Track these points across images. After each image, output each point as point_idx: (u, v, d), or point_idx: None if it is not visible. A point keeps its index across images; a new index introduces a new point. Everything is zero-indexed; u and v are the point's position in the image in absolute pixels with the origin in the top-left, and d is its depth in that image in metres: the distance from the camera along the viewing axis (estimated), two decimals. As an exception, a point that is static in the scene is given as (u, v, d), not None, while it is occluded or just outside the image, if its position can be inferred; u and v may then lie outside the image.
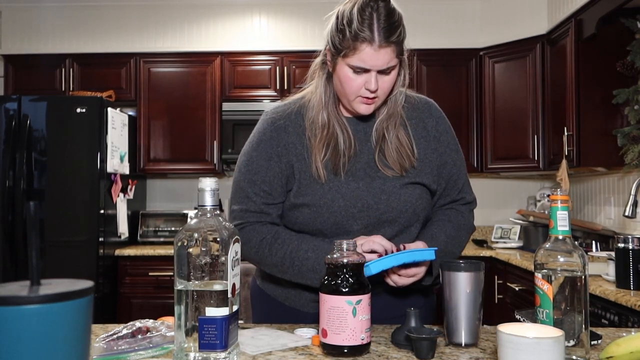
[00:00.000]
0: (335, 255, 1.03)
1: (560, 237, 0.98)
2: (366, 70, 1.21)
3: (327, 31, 1.27)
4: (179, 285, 0.93)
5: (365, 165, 1.31)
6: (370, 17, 1.18)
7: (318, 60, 1.34)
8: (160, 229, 3.83)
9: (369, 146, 1.32)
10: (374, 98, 1.25)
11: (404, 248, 1.22)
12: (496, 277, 3.33)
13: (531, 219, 3.53)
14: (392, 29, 1.19)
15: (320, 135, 1.29)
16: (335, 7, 1.28)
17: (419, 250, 1.19)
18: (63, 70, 3.92)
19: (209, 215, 0.95)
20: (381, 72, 1.22)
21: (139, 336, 1.07)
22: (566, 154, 3.10)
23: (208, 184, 0.96)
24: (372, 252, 1.21)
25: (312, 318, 1.32)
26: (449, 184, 1.39)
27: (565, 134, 3.11)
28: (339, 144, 1.29)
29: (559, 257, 0.97)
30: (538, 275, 0.99)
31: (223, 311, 0.91)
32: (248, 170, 1.33)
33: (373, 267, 1.14)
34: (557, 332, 0.83)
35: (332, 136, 1.29)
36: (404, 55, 1.26)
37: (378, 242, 1.21)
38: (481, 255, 3.41)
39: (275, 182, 1.31)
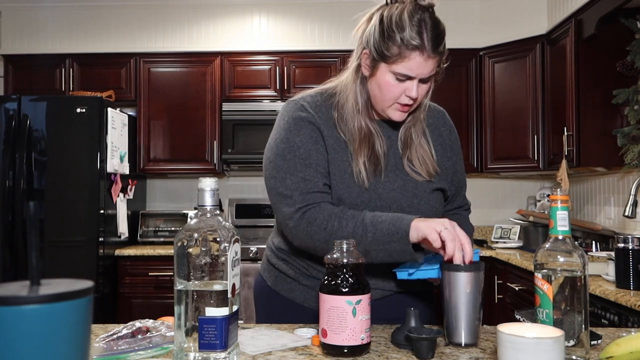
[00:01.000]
0: (335, 255, 1.03)
1: (560, 237, 0.98)
2: (409, 78, 1.22)
3: (366, 34, 1.25)
4: (179, 285, 0.93)
5: (394, 167, 1.32)
6: (419, 25, 1.18)
7: (354, 65, 1.31)
8: (160, 229, 3.83)
9: (394, 150, 1.34)
10: (410, 105, 1.26)
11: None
12: (496, 277, 3.33)
13: (531, 219, 3.53)
14: (440, 39, 1.21)
15: (358, 140, 1.28)
16: (369, 9, 1.27)
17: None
18: (63, 70, 3.92)
19: (208, 215, 0.95)
20: (421, 80, 1.23)
21: (139, 336, 1.07)
22: (566, 154, 3.10)
23: (208, 184, 0.96)
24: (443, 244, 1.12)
25: None
26: (457, 190, 1.45)
27: (565, 134, 3.11)
28: (376, 147, 1.29)
29: (558, 257, 0.97)
30: (538, 275, 0.99)
31: (223, 311, 0.91)
32: (296, 155, 1.26)
33: (437, 271, 1.15)
34: (557, 332, 0.83)
35: (369, 139, 1.29)
36: (441, 66, 1.27)
37: (463, 243, 1.09)
38: (481, 255, 3.41)
39: (325, 165, 1.28)
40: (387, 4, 1.25)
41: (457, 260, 1.08)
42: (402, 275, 1.21)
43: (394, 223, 1.17)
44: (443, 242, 1.10)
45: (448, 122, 1.44)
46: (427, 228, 1.12)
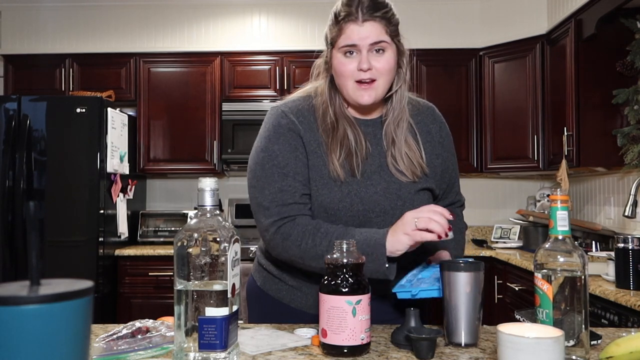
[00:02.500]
0: (335, 255, 1.03)
1: (560, 237, 0.98)
2: (355, 49, 1.22)
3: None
4: (179, 285, 0.93)
5: (378, 168, 1.31)
6: (353, 0, 1.22)
7: (320, 61, 1.34)
8: (160, 229, 3.83)
9: (379, 149, 1.32)
10: (369, 82, 1.23)
11: (429, 262, 1.26)
12: (496, 277, 3.33)
13: (531, 219, 3.53)
14: (377, 6, 1.22)
15: (332, 136, 1.28)
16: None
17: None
18: (63, 70, 3.92)
19: (208, 215, 0.95)
20: (373, 52, 1.23)
21: (139, 336, 1.07)
22: (566, 154, 3.10)
23: (208, 184, 0.96)
24: (428, 230, 1.13)
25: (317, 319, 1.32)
26: (448, 187, 1.43)
27: (565, 134, 3.11)
28: (350, 143, 1.28)
29: (558, 257, 0.97)
30: (538, 275, 0.99)
31: (223, 311, 0.91)
32: (274, 164, 1.27)
33: (424, 293, 1.16)
34: (557, 332, 0.83)
35: (343, 135, 1.28)
36: (398, 38, 1.27)
37: (435, 219, 1.11)
38: (481, 255, 3.41)
39: (305, 172, 1.28)
40: None
41: (443, 228, 1.11)
42: (404, 295, 1.18)
43: (368, 243, 1.17)
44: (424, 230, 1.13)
45: (438, 118, 1.41)
46: (411, 235, 1.13)
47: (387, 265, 1.17)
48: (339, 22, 1.22)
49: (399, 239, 1.15)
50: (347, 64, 1.23)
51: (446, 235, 1.11)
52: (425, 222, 1.11)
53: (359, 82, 1.24)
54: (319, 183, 1.28)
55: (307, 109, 1.33)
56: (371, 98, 1.25)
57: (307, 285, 1.33)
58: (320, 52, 1.37)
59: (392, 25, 1.24)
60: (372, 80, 1.24)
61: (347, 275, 1.01)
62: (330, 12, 1.27)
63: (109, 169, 3.44)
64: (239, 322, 1.00)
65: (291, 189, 1.26)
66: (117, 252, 3.53)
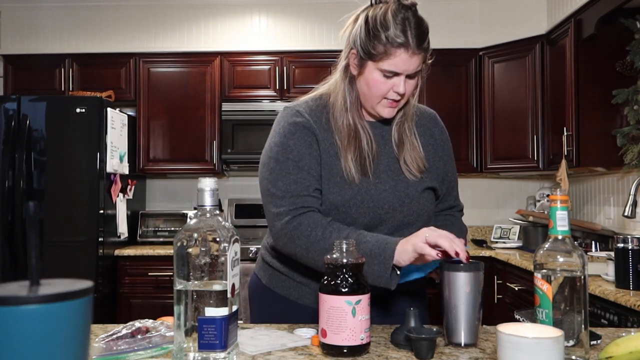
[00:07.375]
0: (334, 255, 1.03)
1: (560, 237, 0.98)
2: (396, 74, 1.25)
3: (353, 35, 1.29)
4: (179, 285, 0.93)
5: (387, 167, 1.34)
6: (403, 23, 1.22)
7: (342, 64, 1.34)
8: (159, 229, 3.83)
9: (388, 149, 1.36)
10: (398, 101, 1.29)
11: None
12: (496, 277, 3.33)
13: (530, 219, 3.53)
14: (424, 36, 1.25)
15: (347, 137, 1.30)
16: (355, 10, 1.32)
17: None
18: (62, 70, 3.92)
19: (208, 215, 0.95)
20: (408, 76, 1.26)
21: (139, 336, 1.07)
22: (565, 154, 3.10)
23: (207, 184, 0.96)
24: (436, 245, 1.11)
25: None
26: (448, 189, 1.47)
27: (565, 134, 3.11)
28: (362, 146, 1.31)
29: (558, 257, 0.97)
30: (537, 275, 0.99)
31: (222, 311, 0.91)
32: (289, 157, 1.29)
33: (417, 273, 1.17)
34: (557, 332, 0.83)
35: (356, 138, 1.31)
36: (427, 62, 1.31)
37: (451, 237, 1.10)
38: (481, 255, 3.41)
39: (318, 169, 1.30)
40: (371, 4, 1.29)
41: (461, 252, 1.08)
42: (410, 277, 1.21)
43: (379, 245, 1.18)
44: (434, 247, 1.10)
45: (439, 123, 1.47)
46: (417, 245, 1.12)
47: (395, 271, 1.17)
48: (389, 45, 1.22)
49: (406, 248, 1.15)
50: (384, 84, 1.26)
51: (457, 255, 1.08)
52: (435, 237, 1.10)
53: (386, 99, 1.28)
54: (330, 181, 1.30)
55: (320, 109, 1.35)
56: (393, 113, 1.32)
57: (316, 281, 1.34)
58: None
59: (429, 54, 1.28)
60: (400, 100, 1.29)
61: (347, 276, 1.01)
62: (368, 18, 1.25)
63: (109, 169, 3.44)
64: (239, 322, 1.00)
65: (305, 181, 1.27)
66: (117, 252, 3.53)
